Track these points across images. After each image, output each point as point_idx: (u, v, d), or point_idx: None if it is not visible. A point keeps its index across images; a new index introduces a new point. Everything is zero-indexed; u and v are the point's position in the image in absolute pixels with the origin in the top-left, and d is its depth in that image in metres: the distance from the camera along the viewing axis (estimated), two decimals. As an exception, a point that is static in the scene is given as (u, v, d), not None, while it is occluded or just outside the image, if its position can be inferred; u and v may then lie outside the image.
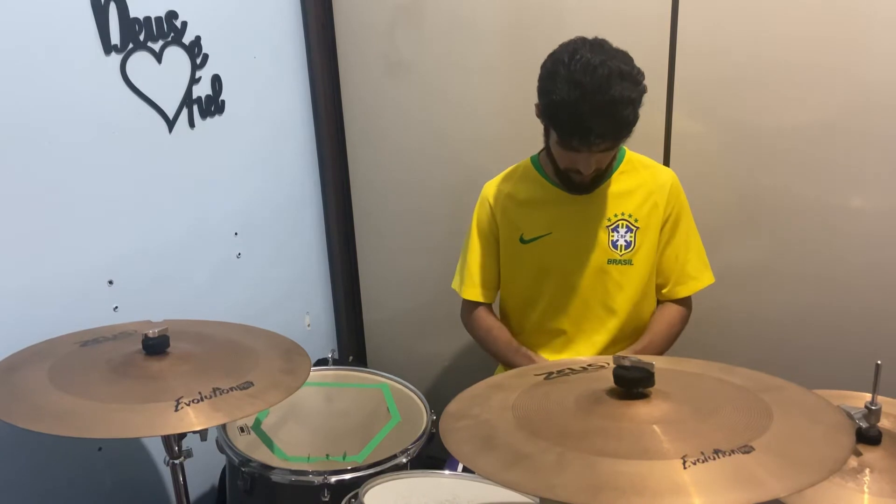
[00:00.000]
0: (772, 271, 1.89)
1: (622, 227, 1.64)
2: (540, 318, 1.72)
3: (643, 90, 1.45)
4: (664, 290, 1.71)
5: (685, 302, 1.72)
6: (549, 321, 1.71)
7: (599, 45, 1.45)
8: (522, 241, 1.69)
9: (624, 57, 1.45)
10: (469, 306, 1.79)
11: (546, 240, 1.67)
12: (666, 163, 1.90)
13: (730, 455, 0.88)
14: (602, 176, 1.60)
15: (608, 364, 1.08)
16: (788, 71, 1.73)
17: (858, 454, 1.04)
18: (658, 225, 1.65)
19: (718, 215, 1.88)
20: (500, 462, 0.94)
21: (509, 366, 1.69)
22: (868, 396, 1.07)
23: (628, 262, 1.65)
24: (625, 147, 1.67)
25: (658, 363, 1.04)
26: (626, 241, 1.64)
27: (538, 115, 1.53)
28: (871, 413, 1.05)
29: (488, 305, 1.79)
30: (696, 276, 1.69)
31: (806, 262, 1.85)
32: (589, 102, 1.39)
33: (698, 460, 0.87)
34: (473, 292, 1.76)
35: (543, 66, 1.48)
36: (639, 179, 1.65)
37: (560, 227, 1.66)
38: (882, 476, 1.02)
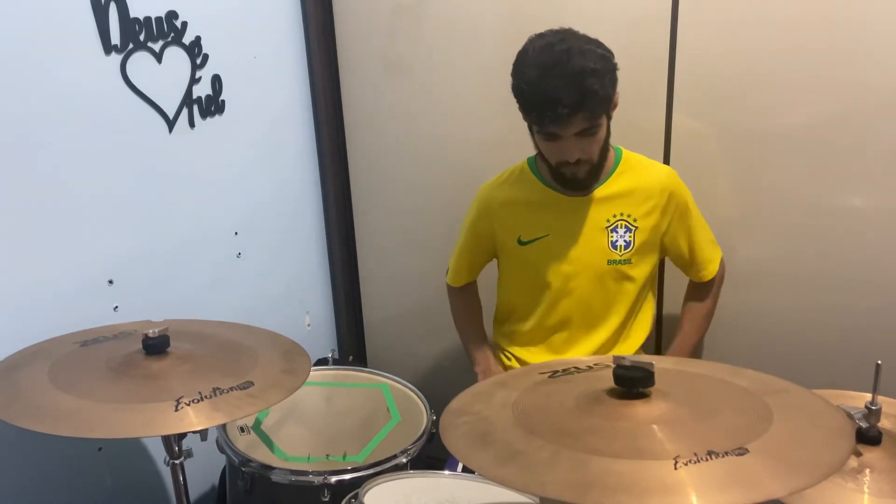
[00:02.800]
0: (771, 271, 1.89)
1: (621, 227, 1.64)
2: (540, 318, 1.73)
3: (610, 67, 1.47)
4: (691, 273, 1.77)
5: (709, 288, 1.76)
6: (550, 321, 1.72)
7: (563, 31, 1.50)
8: (520, 242, 1.69)
9: (589, 40, 1.48)
10: (449, 289, 1.92)
11: (544, 241, 1.67)
12: (666, 163, 1.90)
13: (723, 457, 0.88)
14: (596, 173, 1.61)
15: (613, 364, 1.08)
16: (788, 70, 1.73)
17: (858, 454, 1.04)
18: (657, 225, 1.66)
19: (718, 215, 1.88)
20: (494, 458, 0.94)
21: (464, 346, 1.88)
22: (868, 396, 1.07)
23: (628, 261, 1.65)
24: (621, 147, 1.68)
25: (665, 364, 1.04)
26: (625, 241, 1.64)
27: (524, 117, 1.55)
28: (871, 413, 1.05)
29: (465, 286, 1.89)
30: (712, 259, 1.74)
31: (806, 262, 1.85)
32: (551, 76, 1.43)
33: (690, 461, 0.87)
34: (451, 277, 1.88)
35: (514, 62, 1.52)
36: (637, 180, 1.66)
37: (558, 229, 1.66)
38: (882, 476, 1.02)
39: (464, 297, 1.90)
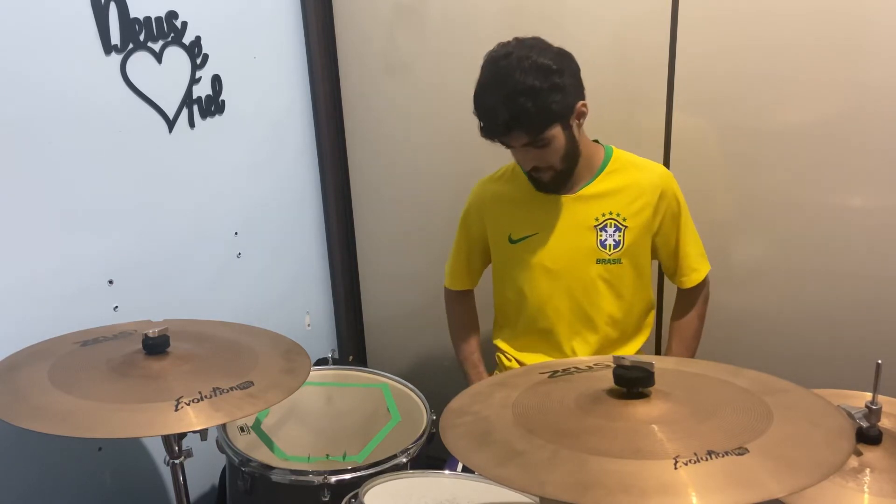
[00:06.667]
0: (771, 271, 1.89)
1: (610, 226, 1.64)
2: (531, 318, 1.72)
3: (561, 84, 1.45)
4: (675, 279, 1.74)
5: (696, 294, 1.73)
6: (541, 321, 1.71)
7: (517, 42, 1.50)
8: (511, 241, 1.69)
9: (546, 52, 1.47)
10: (445, 293, 1.90)
11: (533, 240, 1.67)
12: (666, 162, 1.90)
13: (723, 456, 0.88)
14: (564, 178, 1.60)
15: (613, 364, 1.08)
16: (788, 71, 1.73)
17: (859, 454, 1.04)
18: (648, 224, 1.64)
19: (718, 215, 1.88)
20: (494, 458, 0.94)
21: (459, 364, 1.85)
22: (868, 396, 1.07)
23: (617, 261, 1.64)
24: (612, 146, 1.67)
25: (665, 364, 1.04)
26: (614, 240, 1.64)
27: None
28: (872, 413, 1.05)
29: (462, 292, 1.87)
30: (697, 268, 1.71)
31: (806, 262, 1.85)
32: (489, 93, 1.47)
33: (690, 461, 0.87)
34: (448, 279, 1.86)
35: None
36: (627, 178, 1.65)
37: (547, 228, 1.66)
38: (882, 476, 1.02)
39: (461, 305, 1.88)
